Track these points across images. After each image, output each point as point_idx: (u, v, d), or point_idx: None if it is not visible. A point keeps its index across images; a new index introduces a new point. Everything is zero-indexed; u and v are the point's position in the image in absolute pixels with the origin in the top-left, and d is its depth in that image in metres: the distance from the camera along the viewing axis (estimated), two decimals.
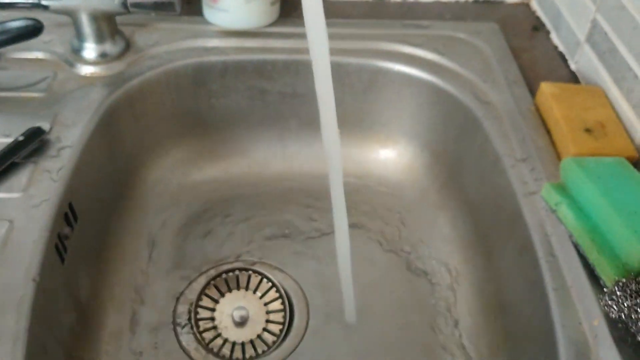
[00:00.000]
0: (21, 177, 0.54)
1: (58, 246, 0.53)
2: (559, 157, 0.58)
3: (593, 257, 0.47)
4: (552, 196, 0.52)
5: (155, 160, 0.72)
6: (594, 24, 0.65)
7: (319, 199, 0.74)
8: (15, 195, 0.52)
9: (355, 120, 0.75)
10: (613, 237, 0.46)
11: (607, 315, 0.45)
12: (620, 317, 0.42)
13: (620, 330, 0.44)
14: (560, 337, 0.46)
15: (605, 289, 0.45)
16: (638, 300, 0.41)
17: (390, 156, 0.76)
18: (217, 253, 0.69)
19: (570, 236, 0.50)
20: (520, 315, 0.54)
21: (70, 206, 0.55)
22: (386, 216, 0.73)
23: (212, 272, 0.67)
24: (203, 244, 0.69)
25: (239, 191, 0.75)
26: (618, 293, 0.42)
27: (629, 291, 0.42)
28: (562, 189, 0.52)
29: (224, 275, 0.67)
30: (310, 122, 0.76)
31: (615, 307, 0.42)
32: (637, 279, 0.43)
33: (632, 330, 0.42)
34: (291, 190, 0.75)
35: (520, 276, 0.55)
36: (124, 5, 0.62)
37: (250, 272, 0.67)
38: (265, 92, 0.73)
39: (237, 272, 0.67)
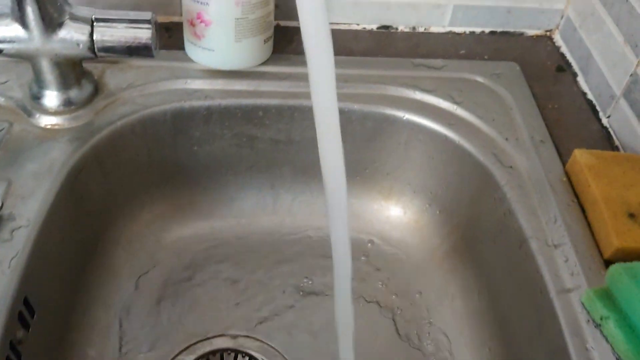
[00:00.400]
0: None
1: (13, 350, 0.44)
2: (597, 245, 0.50)
3: None
4: (597, 308, 0.44)
5: (128, 216, 0.63)
6: (635, 79, 0.57)
7: (316, 259, 0.66)
8: None
9: (357, 170, 0.67)
10: None
11: None
12: None
13: None
14: None
15: None
16: None
17: (394, 210, 0.68)
18: (200, 326, 0.60)
19: (617, 357, 0.43)
20: None
21: (26, 301, 0.46)
22: (387, 279, 0.65)
23: (192, 356, 0.58)
24: (181, 316, 0.61)
25: (224, 249, 0.66)
26: None
27: None
28: (609, 298, 0.44)
29: (209, 358, 0.59)
30: (306, 170, 0.67)
31: None
32: None
33: None
34: (283, 249, 0.67)
35: None
36: (91, 50, 0.52)
37: (236, 353, 0.59)
38: (254, 138, 0.64)
39: (219, 354, 0.59)
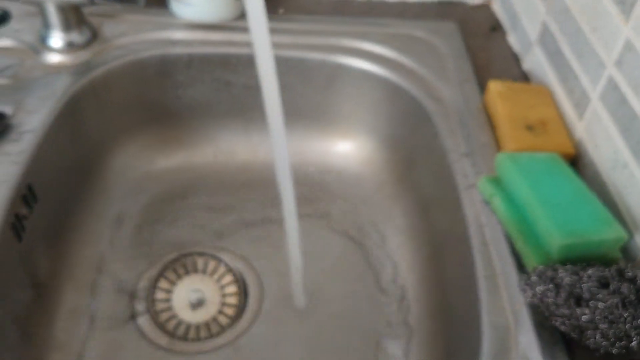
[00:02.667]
0: None
1: (15, 225, 0.55)
2: (499, 152, 0.60)
3: (519, 246, 0.50)
4: (487, 189, 0.54)
5: (120, 147, 0.74)
6: (544, 27, 0.67)
7: None
8: None
9: (317, 113, 0.77)
10: (537, 228, 0.49)
11: (526, 301, 0.47)
12: (533, 301, 0.45)
13: (539, 315, 0.47)
14: (485, 322, 0.48)
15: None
16: (550, 286, 0.44)
17: (350, 149, 0.78)
18: (177, 238, 0.71)
19: (502, 227, 0.53)
20: (456, 301, 0.57)
21: (30, 188, 0.58)
22: (344, 207, 0.75)
23: (171, 256, 0.69)
24: (164, 230, 0.72)
25: (203, 179, 0.77)
26: (534, 278, 0.45)
27: (544, 277, 0.44)
28: (496, 182, 0.54)
29: (182, 260, 0.69)
30: None
31: (529, 291, 0.45)
32: (554, 267, 0.45)
33: (546, 314, 0.44)
34: (254, 179, 0.78)
35: (458, 264, 0.57)
36: None
37: (207, 257, 0.70)
38: (230, 84, 0.75)
39: (195, 257, 0.70)
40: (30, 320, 0.56)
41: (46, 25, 0.68)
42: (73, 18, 0.68)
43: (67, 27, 0.68)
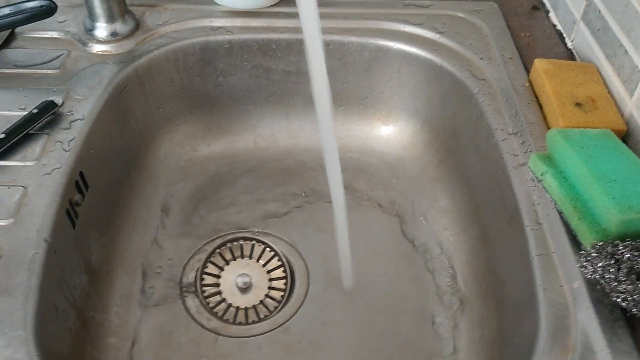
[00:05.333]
0: (35, 147, 0.57)
1: (69, 211, 0.56)
2: (549, 129, 0.59)
3: (575, 223, 0.49)
4: (538, 166, 0.54)
5: (165, 135, 0.75)
6: (589, 3, 0.66)
7: (322, 173, 0.77)
8: (29, 163, 0.56)
9: (358, 97, 0.77)
10: (593, 204, 0.48)
11: (587, 278, 0.47)
12: (594, 277, 0.44)
13: (598, 292, 0.46)
14: (542, 300, 0.48)
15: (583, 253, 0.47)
16: (611, 262, 0.43)
17: (392, 132, 0.78)
18: (223, 224, 0.72)
19: (555, 204, 0.52)
20: (508, 280, 0.56)
21: (81, 174, 0.59)
22: (387, 190, 0.75)
23: (218, 242, 0.70)
24: (210, 215, 0.72)
25: (245, 165, 0.78)
26: (593, 254, 0.44)
27: (604, 253, 0.44)
28: (548, 159, 0.54)
29: (228, 245, 0.70)
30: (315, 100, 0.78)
31: (590, 267, 0.44)
32: (613, 243, 0.45)
33: (606, 290, 0.44)
34: (296, 165, 0.78)
35: (509, 244, 0.57)
36: None
37: (254, 241, 0.70)
38: (270, 70, 0.75)
39: (241, 242, 0.70)
40: (86, 305, 0.58)
41: (91, 16, 0.69)
42: (117, 8, 0.68)
43: (111, 17, 0.68)
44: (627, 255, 0.43)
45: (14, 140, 0.56)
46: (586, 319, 0.45)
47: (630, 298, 0.42)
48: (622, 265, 0.43)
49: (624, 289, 0.42)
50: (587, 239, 0.47)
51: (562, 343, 0.45)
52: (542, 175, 0.53)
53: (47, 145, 0.57)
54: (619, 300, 0.43)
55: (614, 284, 0.43)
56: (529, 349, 0.46)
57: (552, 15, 0.76)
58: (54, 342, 0.49)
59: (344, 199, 0.58)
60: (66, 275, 0.54)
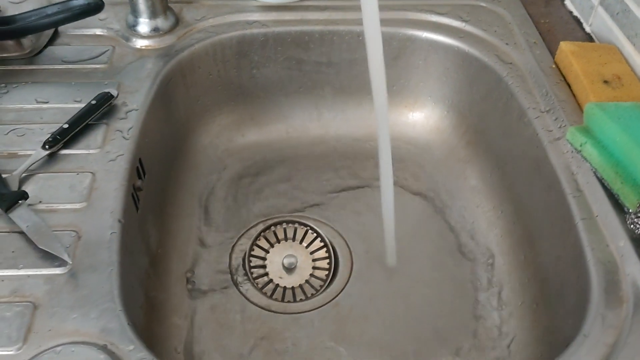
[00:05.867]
0: (97, 136, 0.60)
1: (134, 196, 0.59)
2: (580, 106, 0.63)
3: (617, 187, 0.53)
4: (577, 138, 0.58)
5: (203, 127, 0.78)
6: None
7: (354, 160, 0.80)
8: (93, 151, 0.58)
9: (387, 85, 0.80)
10: (635, 168, 0.52)
11: (631, 237, 0.51)
12: None
13: None
14: (590, 259, 0.51)
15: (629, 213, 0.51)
16: None
17: (419, 118, 0.82)
18: (264, 209, 0.75)
19: (595, 172, 0.56)
20: (550, 247, 0.60)
21: (140, 161, 0.61)
22: (418, 172, 0.79)
23: (261, 226, 0.73)
24: (250, 202, 0.75)
25: (279, 154, 0.81)
26: None
27: None
28: (586, 131, 0.57)
29: (272, 228, 0.73)
30: (344, 90, 0.82)
31: (639, 222, 0.48)
32: None
33: None
34: (328, 152, 0.81)
35: (548, 212, 0.60)
36: None
37: (296, 224, 0.73)
38: (302, 61, 0.79)
39: (284, 225, 0.73)
40: (149, 285, 0.60)
41: (134, 13, 0.71)
42: (159, 5, 0.71)
43: (153, 13, 0.71)
44: None
45: (77, 130, 0.59)
46: (635, 272, 0.49)
47: None
48: None
49: None
50: (631, 201, 0.51)
51: (615, 296, 0.48)
52: (581, 146, 0.57)
53: (108, 134, 0.60)
54: None
55: None
56: (582, 305, 0.50)
57: (567, 2, 0.80)
58: (134, 317, 0.52)
59: (391, 178, 0.61)
60: (134, 255, 0.57)
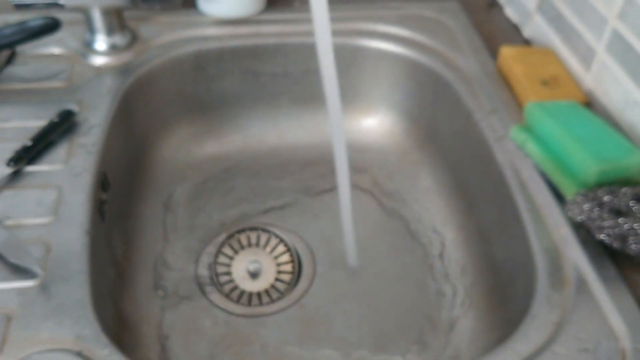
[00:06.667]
0: (60, 152, 0.61)
1: (100, 209, 0.60)
2: (521, 106, 0.68)
3: (557, 179, 0.57)
4: (519, 135, 0.62)
5: (164, 140, 0.80)
6: None
7: (312, 166, 0.83)
8: (58, 167, 0.60)
9: (341, 94, 0.84)
10: (572, 161, 0.56)
11: (571, 223, 0.55)
12: (581, 218, 0.52)
13: (582, 234, 0.54)
14: (536, 247, 0.55)
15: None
16: (594, 203, 0.51)
17: (373, 124, 0.85)
18: (227, 217, 0.77)
19: (537, 167, 0.60)
20: (501, 238, 0.64)
21: (105, 175, 0.63)
22: (375, 176, 0.82)
23: (225, 234, 0.75)
24: (213, 211, 0.77)
25: (239, 164, 0.83)
26: (579, 199, 0.52)
27: (588, 197, 0.52)
28: (527, 128, 0.62)
29: (236, 236, 0.75)
30: (300, 99, 0.85)
31: (577, 210, 0.52)
32: (592, 189, 0.53)
33: (592, 229, 0.51)
34: (286, 160, 0.84)
35: (497, 206, 0.64)
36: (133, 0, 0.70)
37: (259, 231, 0.76)
38: (258, 73, 0.81)
39: (247, 232, 0.76)
40: (118, 296, 0.62)
41: (91, 31, 0.73)
42: (115, 22, 0.73)
43: (110, 30, 0.73)
44: (606, 198, 0.51)
45: (40, 147, 0.60)
46: (576, 257, 0.53)
47: (612, 232, 0.50)
48: (603, 205, 0.51)
49: (608, 224, 0.50)
50: (570, 191, 0.55)
51: (559, 279, 0.52)
52: (523, 142, 0.61)
53: (71, 150, 0.61)
54: (602, 236, 0.51)
55: (599, 222, 0.51)
56: (530, 289, 0.54)
57: (507, 10, 0.85)
58: (105, 327, 0.53)
59: (349, 181, 0.64)
60: (103, 267, 0.58)
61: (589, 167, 0.54)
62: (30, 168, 0.59)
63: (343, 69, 0.82)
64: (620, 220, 0.50)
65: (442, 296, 0.69)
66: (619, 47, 0.62)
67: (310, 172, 0.83)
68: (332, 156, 0.61)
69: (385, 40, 0.80)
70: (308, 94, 0.84)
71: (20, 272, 0.49)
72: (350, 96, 0.84)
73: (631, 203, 0.51)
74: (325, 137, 0.85)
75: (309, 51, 0.80)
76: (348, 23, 0.81)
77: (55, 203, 0.56)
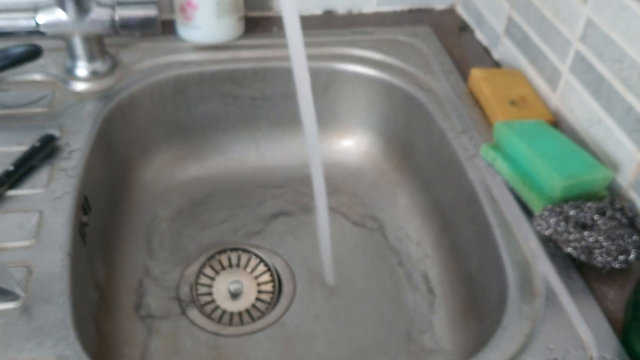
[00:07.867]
0: (42, 176, 0.62)
1: (81, 231, 0.61)
2: (491, 126, 0.70)
3: (525, 195, 0.59)
4: (489, 153, 0.64)
5: (145, 163, 0.81)
6: (510, 20, 0.78)
7: (291, 187, 0.85)
8: (39, 190, 0.61)
9: (318, 116, 0.85)
10: (539, 178, 0.58)
11: (540, 237, 0.57)
12: (549, 232, 0.54)
13: (551, 248, 0.56)
14: (507, 260, 0.57)
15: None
16: (561, 217, 0.53)
17: (350, 145, 0.87)
18: (208, 239, 0.78)
19: (506, 183, 0.62)
20: (473, 254, 0.66)
21: (86, 198, 0.64)
22: (351, 196, 0.84)
23: (205, 256, 0.76)
24: (194, 233, 0.78)
25: (220, 187, 0.84)
26: (546, 214, 0.54)
27: (554, 212, 0.54)
28: (496, 147, 0.64)
29: (217, 257, 0.76)
30: (279, 122, 0.86)
31: (545, 224, 0.54)
32: (558, 205, 0.55)
33: (559, 242, 0.53)
34: (266, 181, 0.85)
35: (470, 223, 0.66)
36: (113, 27, 0.71)
37: (240, 252, 0.77)
38: (237, 97, 0.83)
39: (228, 253, 0.77)
40: (100, 317, 0.62)
41: (72, 57, 0.74)
42: (96, 49, 0.75)
43: (91, 57, 0.75)
44: (572, 212, 0.54)
45: (22, 171, 0.61)
46: (545, 270, 0.55)
47: (578, 245, 0.52)
48: (569, 220, 0.53)
49: (574, 237, 0.52)
50: (537, 206, 0.58)
51: (529, 291, 0.54)
52: (493, 160, 0.64)
53: (53, 174, 0.63)
54: (569, 249, 0.53)
55: (565, 235, 0.53)
56: (502, 301, 0.55)
57: (477, 33, 0.88)
58: (87, 348, 0.54)
59: (326, 201, 0.65)
60: (84, 289, 0.59)
61: (555, 182, 0.56)
62: (11, 192, 0.60)
63: (320, 92, 0.84)
64: (586, 233, 0.52)
65: (418, 313, 0.70)
66: (582, 68, 0.64)
67: (290, 192, 0.85)
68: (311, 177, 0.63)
69: (361, 64, 0.82)
70: (287, 116, 0.86)
71: (2, 294, 0.50)
72: (328, 118, 0.86)
73: (596, 217, 0.53)
74: (305, 158, 0.86)
75: (287, 75, 0.82)
76: (325, 48, 0.84)
77: (37, 226, 0.57)
